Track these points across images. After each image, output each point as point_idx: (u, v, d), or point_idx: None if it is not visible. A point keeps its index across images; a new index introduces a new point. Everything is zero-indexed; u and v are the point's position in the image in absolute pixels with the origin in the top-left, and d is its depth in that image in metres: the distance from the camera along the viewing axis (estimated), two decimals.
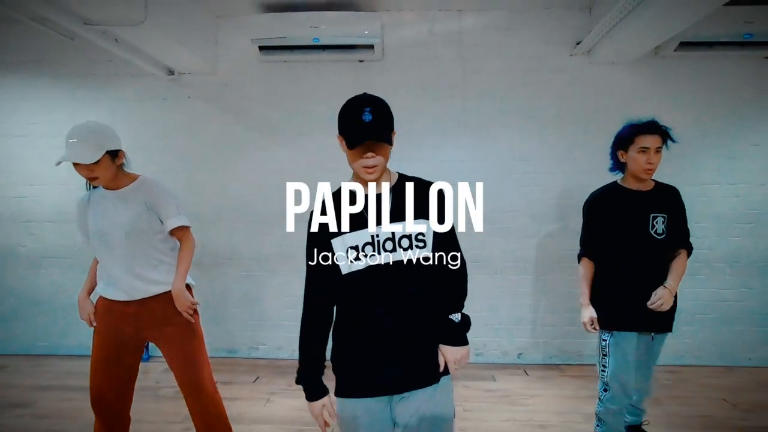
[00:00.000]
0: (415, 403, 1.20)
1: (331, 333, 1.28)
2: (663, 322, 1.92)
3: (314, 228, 1.23)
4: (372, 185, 1.24)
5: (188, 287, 1.86)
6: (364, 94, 1.20)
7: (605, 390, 1.96)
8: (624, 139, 1.94)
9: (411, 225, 1.20)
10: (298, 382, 1.25)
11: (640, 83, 3.30)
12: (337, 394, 1.25)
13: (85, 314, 1.81)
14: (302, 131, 3.43)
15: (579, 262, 2.06)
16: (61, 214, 3.50)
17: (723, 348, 3.32)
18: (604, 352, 1.95)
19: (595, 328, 1.94)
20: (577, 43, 3.24)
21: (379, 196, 1.23)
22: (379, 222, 1.20)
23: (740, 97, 3.26)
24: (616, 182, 2.04)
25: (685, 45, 3.10)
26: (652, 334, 1.95)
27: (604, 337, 1.95)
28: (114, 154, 1.68)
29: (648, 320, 1.89)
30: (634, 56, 3.18)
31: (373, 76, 3.36)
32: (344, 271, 1.21)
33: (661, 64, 3.28)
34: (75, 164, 1.59)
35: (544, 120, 3.34)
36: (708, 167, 3.30)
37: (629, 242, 1.90)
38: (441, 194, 1.25)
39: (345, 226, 1.20)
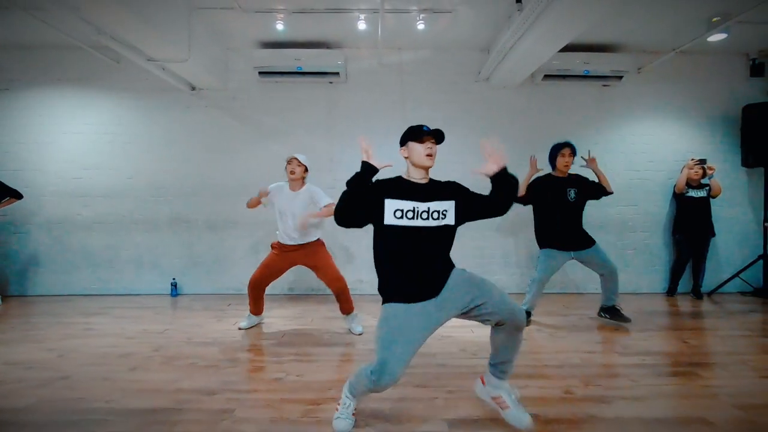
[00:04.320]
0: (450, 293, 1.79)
1: (375, 265, 1.88)
2: (579, 244, 3.42)
3: (372, 186, 1.84)
4: (418, 178, 1.88)
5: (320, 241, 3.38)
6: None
7: (536, 276, 3.50)
8: (554, 151, 3.55)
9: (440, 204, 1.82)
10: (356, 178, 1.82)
11: (522, 101, 4.84)
12: (384, 301, 1.82)
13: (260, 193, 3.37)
14: (289, 131, 4.79)
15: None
16: (109, 191, 4.75)
17: (577, 281, 4.88)
18: (537, 261, 3.55)
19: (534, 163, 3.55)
20: (479, 73, 4.75)
21: (422, 185, 1.88)
22: (420, 199, 1.80)
23: (587, 111, 4.85)
24: (550, 173, 3.58)
25: (548, 76, 4.65)
26: (571, 253, 3.44)
27: (540, 252, 3.53)
28: (306, 170, 3.29)
29: (567, 245, 3.43)
30: (517, 83, 4.70)
31: (340, 94, 4.76)
32: (386, 222, 1.78)
33: (536, 89, 4.83)
34: (292, 162, 3.22)
35: (459, 125, 4.83)
36: None
37: (553, 203, 3.45)
38: (458, 186, 1.95)
39: (399, 193, 1.81)
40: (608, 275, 3.47)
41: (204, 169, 4.77)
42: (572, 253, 3.46)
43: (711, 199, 4.61)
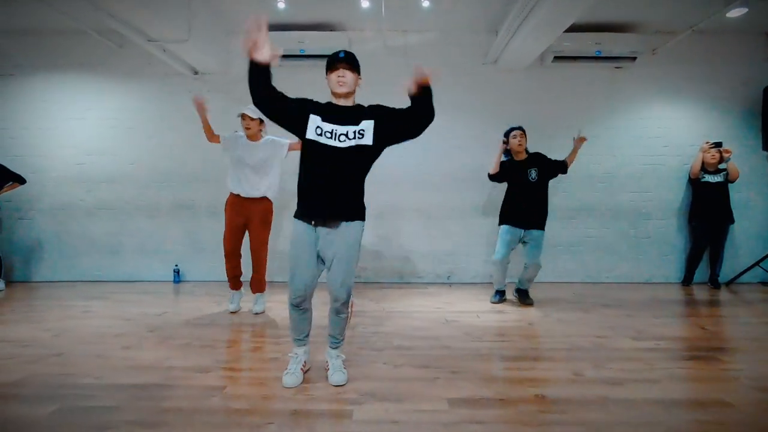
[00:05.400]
0: (333, 235, 1.90)
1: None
2: (531, 223, 3.56)
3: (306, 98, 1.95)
4: (341, 103, 1.92)
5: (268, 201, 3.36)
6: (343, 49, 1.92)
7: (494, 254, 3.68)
8: (506, 133, 3.67)
9: (358, 125, 1.87)
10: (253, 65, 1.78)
11: (531, 84, 4.69)
12: (295, 215, 1.95)
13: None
14: None
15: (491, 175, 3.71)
16: (111, 176, 4.72)
17: (588, 270, 4.73)
18: (499, 238, 3.69)
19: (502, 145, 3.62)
20: (486, 56, 4.62)
21: (345, 108, 1.93)
22: (340, 122, 1.87)
23: (598, 94, 4.69)
24: (511, 157, 3.72)
25: (558, 58, 4.50)
26: (522, 230, 3.58)
27: (499, 229, 3.69)
28: (261, 122, 3.18)
29: (521, 222, 3.58)
30: (525, 65, 4.56)
31: None
32: (308, 136, 1.86)
33: (545, 71, 4.68)
34: (245, 117, 3.10)
35: (465, 109, 4.70)
36: None
37: (518, 184, 3.60)
38: (379, 106, 1.96)
39: (322, 115, 1.89)
40: (532, 268, 3.58)
41: (207, 155, 4.70)
42: (523, 231, 3.59)
43: (729, 184, 4.42)
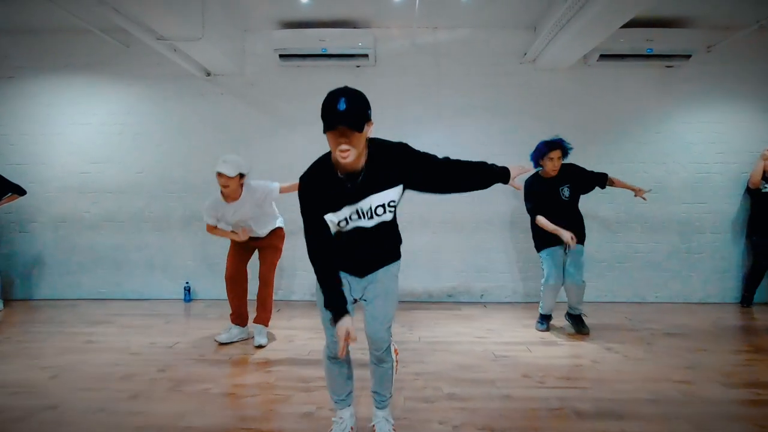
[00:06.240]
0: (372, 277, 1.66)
1: None
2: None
3: (308, 204, 1.49)
4: (349, 168, 1.42)
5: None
6: (344, 86, 1.36)
7: (543, 279, 3.27)
8: (540, 152, 3.16)
9: (385, 195, 1.50)
10: (327, 306, 1.51)
11: (573, 85, 4.29)
12: None
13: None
14: (311, 121, 4.30)
15: (535, 218, 3.19)
16: (118, 187, 4.37)
17: (635, 288, 4.31)
18: (542, 264, 3.30)
19: (574, 240, 2.98)
20: (525, 54, 4.22)
21: (356, 174, 1.44)
22: (359, 197, 1.47)
23: (647, 96, 4.27)
24: (537, 173, 3.27)
25: (604, 56, 4.09)
26: (565, 249, 3.19)
27: (540, 255, 3.30)
28: (242, 176, 2.75)
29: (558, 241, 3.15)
30: (568, 64, 4.15)
31: (368, 78, 4.29)
32: (333, 230, 1.53)
33: (589, 71, 4.27)
34: (221, 176, 2.68)
35: (501, 112, 4.30)
36: (624, 149, 4.29)
37: (548, 204, 3.18)
38: (406, 157, 1.52)
39: (332, 206, 1.47)
40: (575, 289, 3.19)
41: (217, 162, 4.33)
42: (562, 246, 3.19)
43: None
